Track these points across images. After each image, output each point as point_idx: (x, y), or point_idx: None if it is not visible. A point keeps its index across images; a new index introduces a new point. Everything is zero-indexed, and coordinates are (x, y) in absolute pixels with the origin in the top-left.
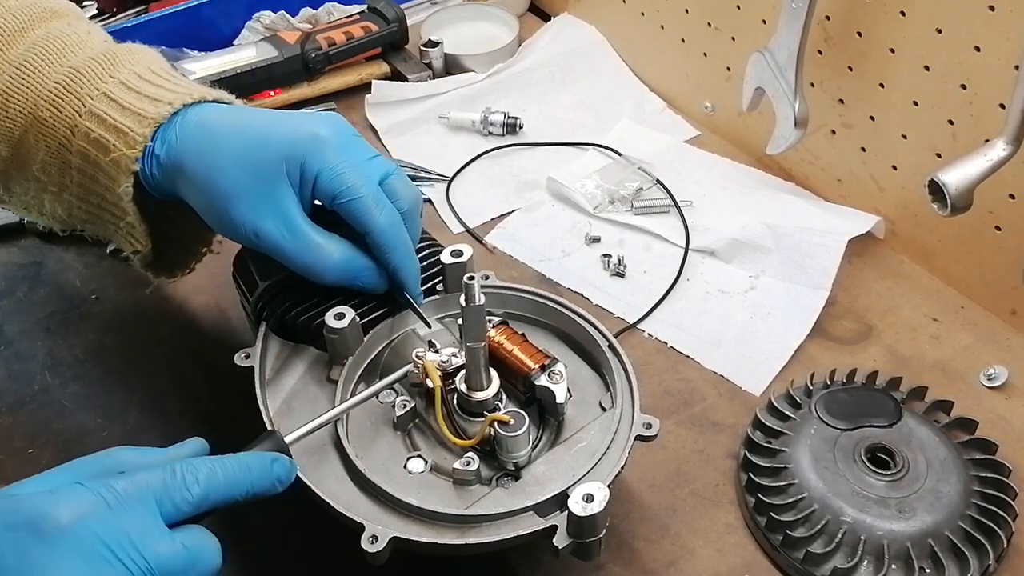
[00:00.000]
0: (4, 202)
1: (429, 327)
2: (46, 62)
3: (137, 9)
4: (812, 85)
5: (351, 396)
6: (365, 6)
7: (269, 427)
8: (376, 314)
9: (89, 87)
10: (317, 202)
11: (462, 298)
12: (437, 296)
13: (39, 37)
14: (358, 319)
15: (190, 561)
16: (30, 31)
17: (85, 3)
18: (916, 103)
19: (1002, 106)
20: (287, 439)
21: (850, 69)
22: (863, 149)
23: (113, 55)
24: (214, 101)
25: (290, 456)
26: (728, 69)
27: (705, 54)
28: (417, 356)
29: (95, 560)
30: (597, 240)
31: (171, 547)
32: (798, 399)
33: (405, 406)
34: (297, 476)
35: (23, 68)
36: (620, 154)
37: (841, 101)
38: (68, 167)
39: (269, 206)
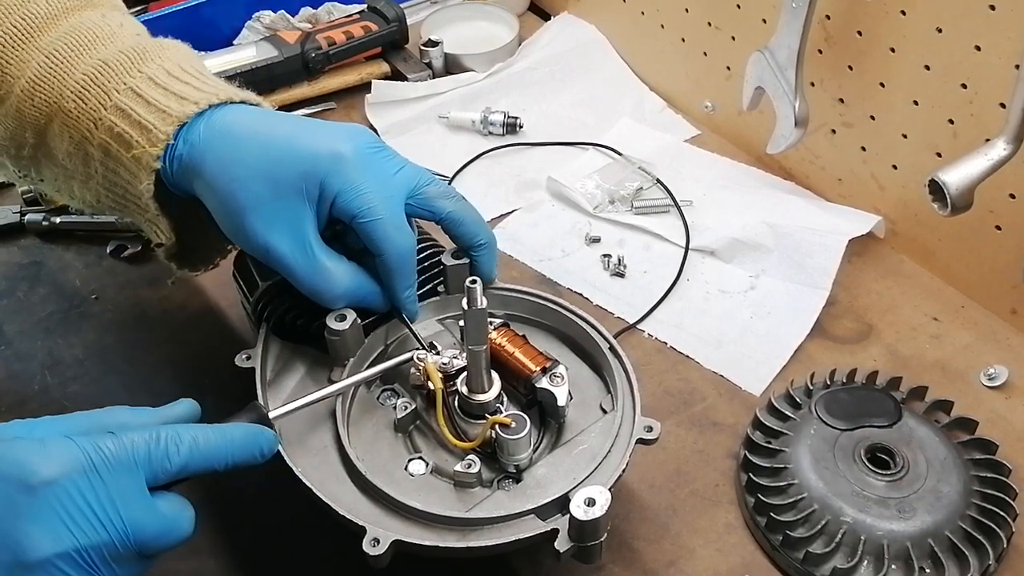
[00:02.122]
0: (39, 185)
1: (427, 350)
2: (76, 53)
3: (137, 9)
4: (812, 84)
5: (344, 388)
6: (365, 5)
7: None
8: (377, 316)
9: (116, 81)
10: None
11: (464, 302)
12: (438, 298)
13: (71, 26)
14: (359, 321)
15: (164, 529)
16: (63, 19)
17: None
18: (916, 102)
19: (1002, 105)
20: (271, 415)
21: (850, 68)
22: (863, 148)
23: (143, 50)
24: (242, 102)
25: (273, 429)
26: (728, 68)
27: (705, 53)
28: (418, 358)
29: (76, 518)
30: (597, 240)
31: (149, 514)
32: (798, 399)
33: (406, 408)
34: (298, 478)
35: (52, 57)
36: (620, 154)
37: (841, 100)
38: (90, 158)
39: (283, 223)
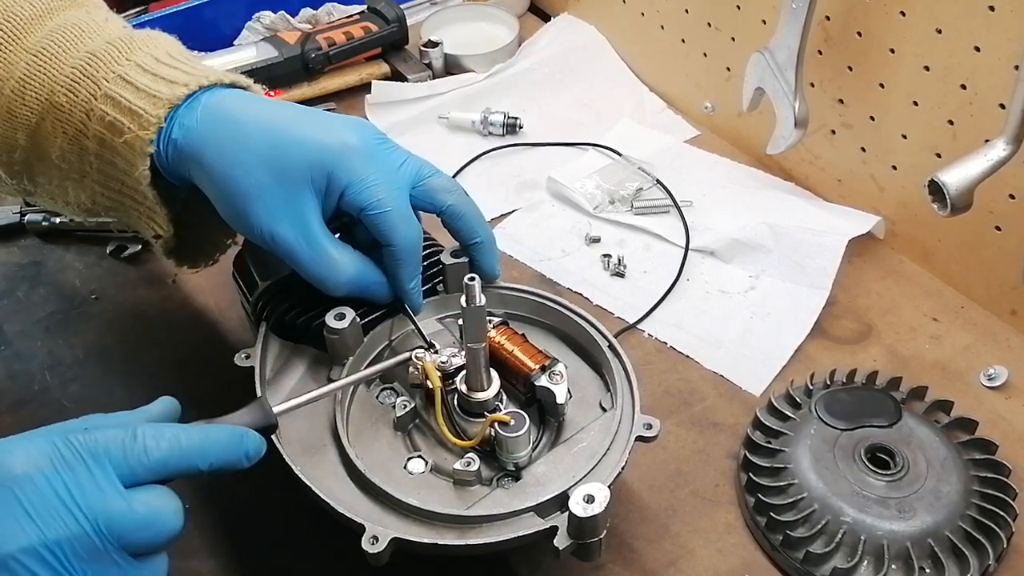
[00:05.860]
0: (32, 194)
1: (430, 347)
2: (63, 48)
3: (137, 9)
4: (812, 85)
5: (348, 384)
6: (365, 6)
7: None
8: (376, 314)
9: (105, 70)
10: None
11: (463, 299)
12: (437, 296)
13: (57, 25)
14: (358, 319)
15: (144, 522)
16: (48, 19)
17: None
18: (916, 103)
19: (1002, 106)
20: (276, 409)
21: (850, 69)
22: (863, 149)
23: (130, 39)
24: (231, 85)
25: (276, 426)
26: (728, 69)
27: (705, 54)
28: (417, 357)
29: (45, 511)
30: (597, 240)
31: (123, 505)
32: (798, 399)
33: (405, 406)
34: (297, 476)
35: (40, 55)
36: (620, 154)
37: (841, 101)
38: (86, 152)
39: (288, 211)
